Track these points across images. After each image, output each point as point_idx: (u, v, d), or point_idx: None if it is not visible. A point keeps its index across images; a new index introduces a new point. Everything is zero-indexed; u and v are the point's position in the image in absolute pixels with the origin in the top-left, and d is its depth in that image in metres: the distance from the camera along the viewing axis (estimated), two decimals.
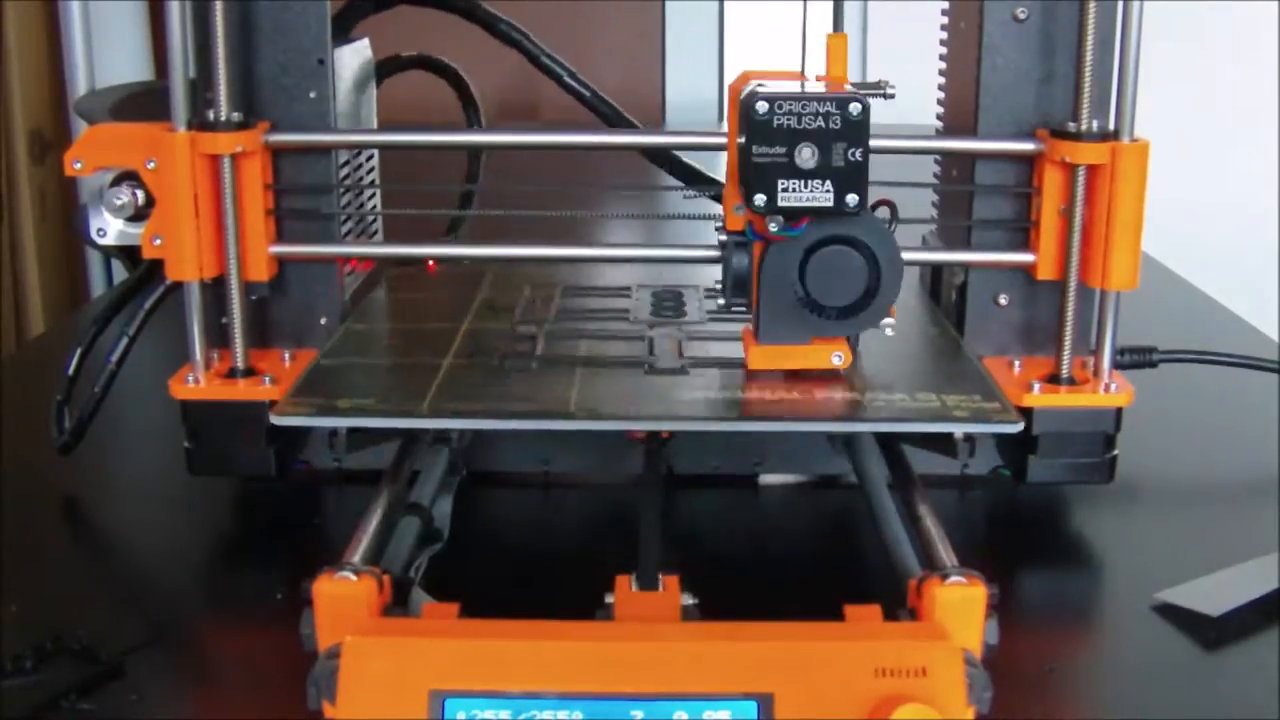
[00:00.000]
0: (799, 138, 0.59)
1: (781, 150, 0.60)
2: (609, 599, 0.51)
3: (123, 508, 0.72)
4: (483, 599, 0.50)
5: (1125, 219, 0.63)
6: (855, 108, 0.59)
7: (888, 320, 0.63)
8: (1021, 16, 0.67)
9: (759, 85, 0.61)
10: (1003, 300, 0.70)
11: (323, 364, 0.67)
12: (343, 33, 0.77)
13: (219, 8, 0.63)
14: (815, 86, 0.61)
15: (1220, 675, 0.56)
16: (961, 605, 0.48)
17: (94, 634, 0.55)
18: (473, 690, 0.44)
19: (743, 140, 0.60)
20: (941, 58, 0.75)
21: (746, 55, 1.88)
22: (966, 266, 0.70)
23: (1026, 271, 0.68)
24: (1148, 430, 0.69)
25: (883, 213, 0.63)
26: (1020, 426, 0.60)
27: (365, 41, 0.79)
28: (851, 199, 0.60)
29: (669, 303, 0.77)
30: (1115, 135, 0.63)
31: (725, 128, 0.64)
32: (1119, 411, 0.66)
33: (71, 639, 0.55)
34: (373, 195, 0.78)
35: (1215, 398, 0.83)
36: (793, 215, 0.61)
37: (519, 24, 0.79)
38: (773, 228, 0.61)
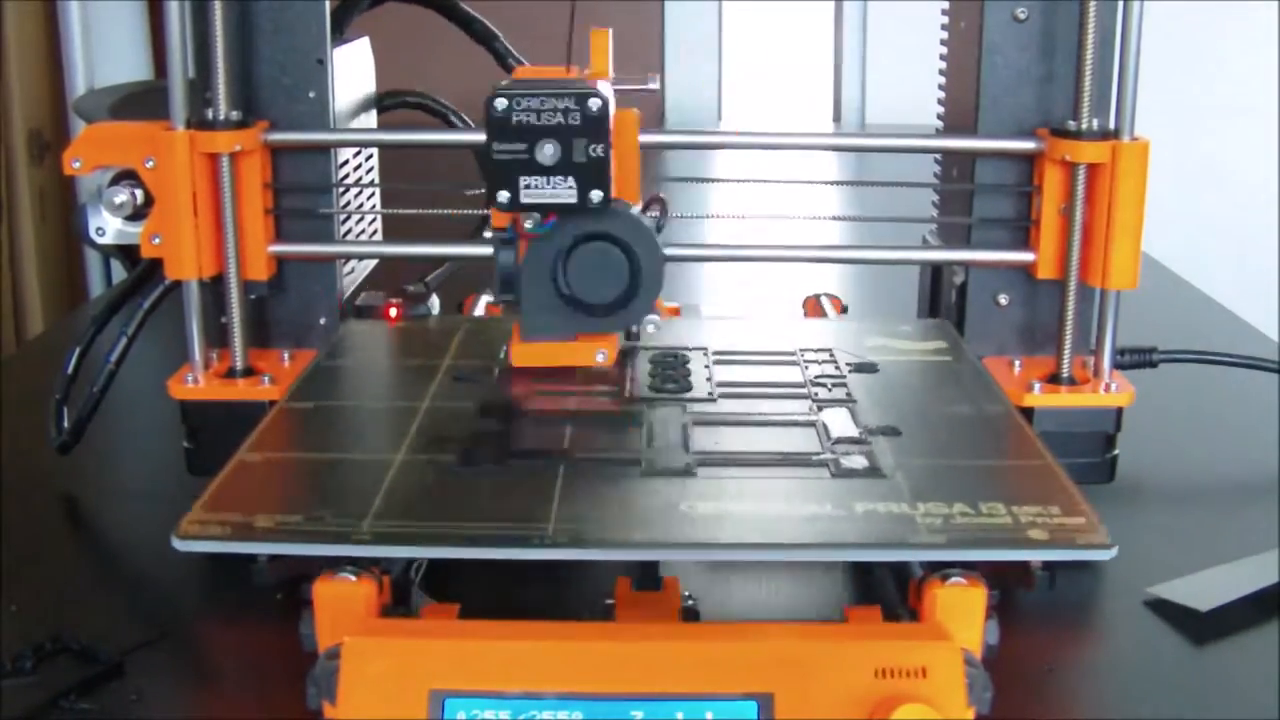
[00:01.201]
0: (539, 134, 0.59)
1: (522, 147, 0.59)
2: (609, 599, 0.51)
3: (122, 507, 0.72)
4: (483, 599, 0.50)
5: (1125, 218, 0.63)
6: (595, 103, 0.59)
7: (651, 317, 0.63)
8: (1021, 16, 0.67)
9: (504, 83, 0.60)
10: (1003, 300, 0.70)
11: (246, 460, 0.56)
12: (338, 31, 0.77)
13: (218, 7, 0.63)
14: (567, 82, 0.61)
15: (1209, 671, 0.55)
16: (961, 605, 0.48)
17: (94, 634, 0.55)
18: (473, 690, 0.44)
19: (484, 137, 0.60)
20: (942, 58, 0.75)
21: (746, 55, 1.88)
22: (967, 266, 0.70)
23: (1027, 271, 0.68)
24: (1148, 430, 0.69)
25: (655, 210, 0.64)
26: (1114, 553, 0.49)
27: (365, 41, 0.79)
28: (595, 195, 0.60)
29: (671, 371, 0.67)
30: (1115, 134, 0.63)
31: (724, 127, 0.64)
32: (1119, 411, 0.65)
33: (71, 639, 0.54)
34: (372, 195, 0.78)
35: (1215, 398, 0.83)
36: (539, 212, 0.61)
37: (494, 26, 0.80)
38: (528, 225, 0.61)
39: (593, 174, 0.60)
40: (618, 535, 0.50)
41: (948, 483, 0.54)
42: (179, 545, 0.50)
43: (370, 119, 0.80)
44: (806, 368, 0.67)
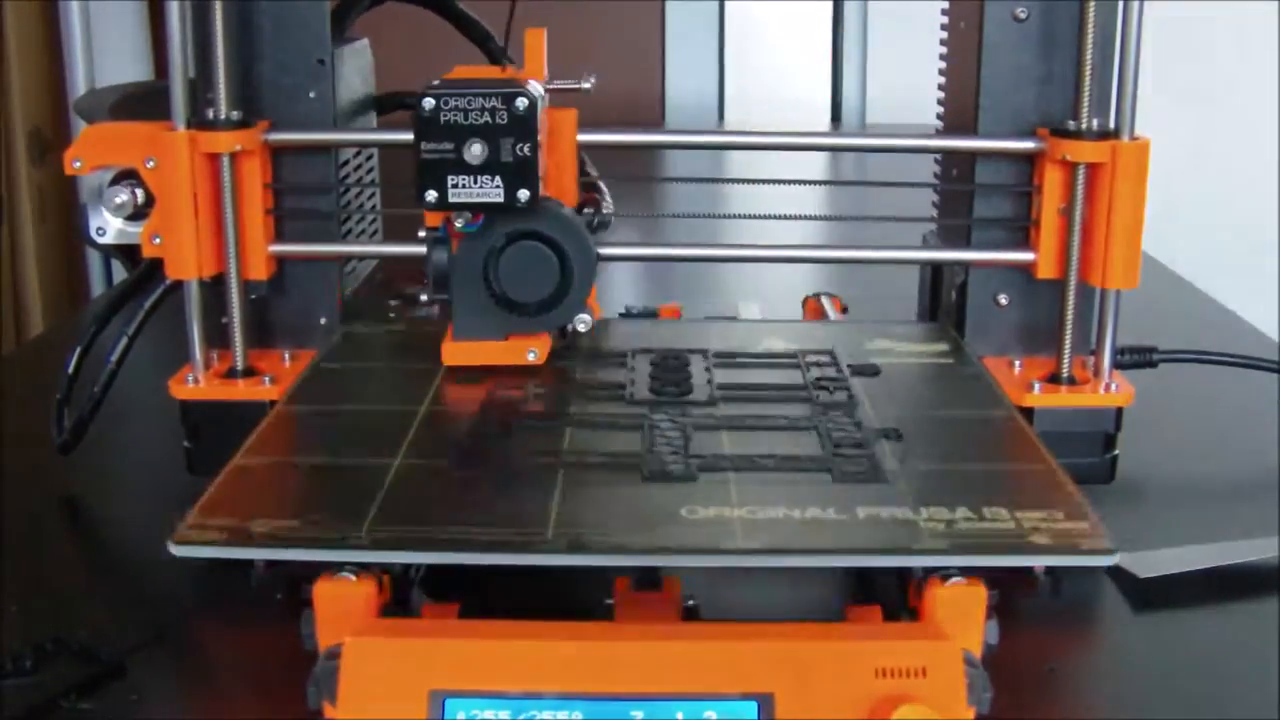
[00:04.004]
0: (467, 133, 0.59)
1: (449, 146, 0.60)
2: (609, 599, 0.51)
3: (122, 507, 0.72)
4: (483, 599, 0.50)
5: (1125, 218, 0.63)
6: (521, 102, 0.60)
7: (582, 316, 0.64)
8: (1021, 16, 0.67)
9: (434, 82, 0.61)
10: (1003, 300, 0.70)
11: (242, 465, 0.56)
12: (339, 31, 0.77)
13: (219, 8, 0.63)
14: (495, 81, 0.61)
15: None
16: (962, 605, 0.48)
17: (94, 634, 0.55)
18: (473, 690, 0.44)
19: (412, 136, 0.60)
20: (942, 58, 0.75)
21: (746, 55, 1.88)
22: (967, 266, 0.70)
23: (1027, 271, 0.68)
24: (1148, 430, 0.69)
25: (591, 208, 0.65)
26: (1115, 559, 0.49)
27: (365, 42, 0.79)
28: (523, 194, 0.60)
29: (671, 374, 0.66)
30: (1115, 134, 0.63)
31: (725, 127, 0.64)
32: (1119, 411, 0.66)
33: (71, 639, 0.54)
34: (372, 195, 0.78)
35: (1215, 398, 0.83)
36: (470, 211, 0.61)
37: (489, 27, 0.80)
38: (459, 224, 0.62)
39: (520, 173, 0.60)
40: (617, 541, 0.50)
41: (950, 487, 0.53)
42: (176, 551, 0.49)
43: (370, 119, 0.80)
44: (808, 370, 0.67)
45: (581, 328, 0.64)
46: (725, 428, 0.60)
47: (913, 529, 0.50)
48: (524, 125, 0.60)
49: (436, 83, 0.61)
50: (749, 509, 0.51)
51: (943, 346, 0.70)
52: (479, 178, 0.60)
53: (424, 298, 0.64)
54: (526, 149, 0.60)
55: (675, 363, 0.67)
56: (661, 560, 0.52)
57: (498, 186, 0.60)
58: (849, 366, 0.67)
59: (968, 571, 0.49)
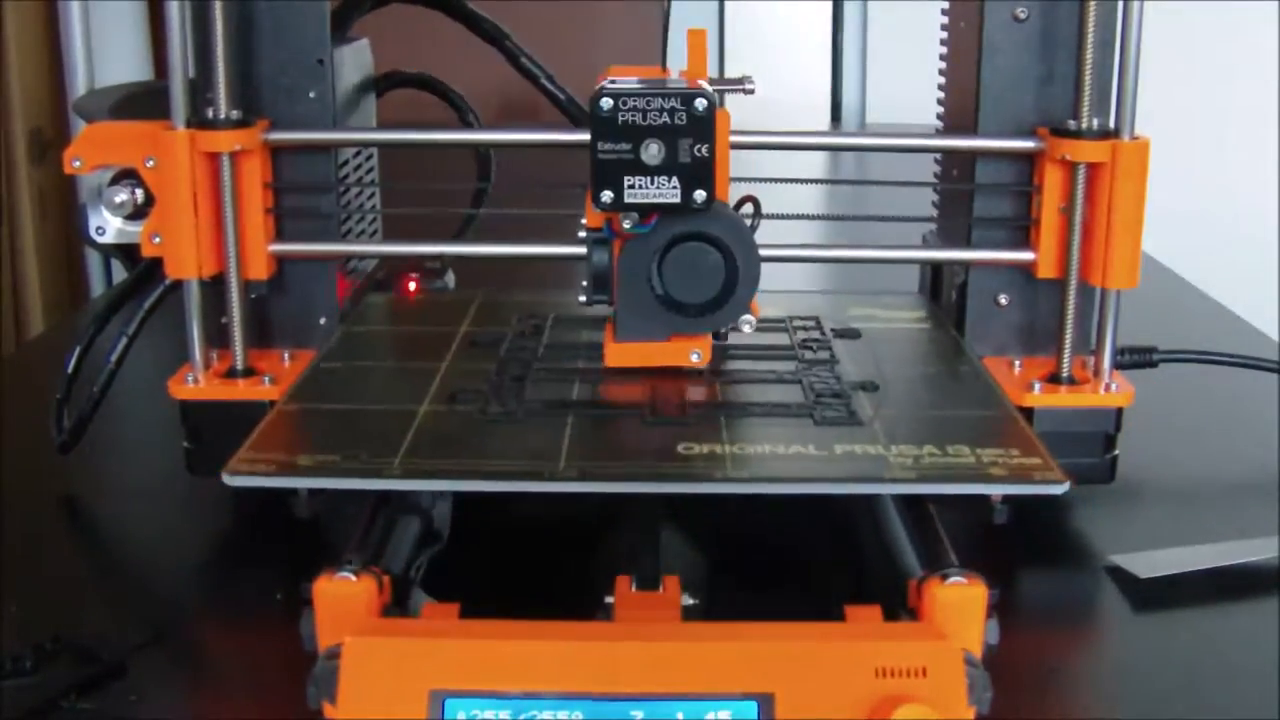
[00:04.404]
0: (645, 134, 0.59)
1: (627, 146, 0.59)
2: (609, 599, 0.51)
3: (122, 507, 0.72)
4: (483, 599, 0.50)
5: (1126, 217, 0.63)
6: (701, 103, 0.59)
7: (746, 318, 0.63)
8: (1021, 16, 0.67)
9: (608, 82, 0.60)
10: (1003, 300, 0.70)
11: (285, 410, 0.61)
12: (340, 32, 0.77)
13: (218, 7, 0.63)
14: (670, 82, 0.61)
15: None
16: (962, 605, 0.48)
17: (94, 634, 0.55)
18: (473, 690, 0.44)
19: (589, 137, 0.60)
20: (942, 58, 0.75)
21: (746, 55, 1.88)
22: (967, 265, 0.70)
23: (1027, 271, 0.68)
24: (1148, 430, 0.69)
25: (747, 209, 0.63)
26: (1067, 487, 0.54)
27: (365, 42, 0.79)
28: (699, 195, 0.60)
29: None
30: (1115, 133, 0.63)
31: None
32: (1119, 411, 0.65)
33: (71, 639, 0.55)
34: (372, 195, 0.78)
35: (1215, 398, 0.83)
36: (640, 212, 0.60)
37: (503, 25, 0.80)
38: (627, 225, 0.61)
39: (697, 174, 0.59)
40: (621, 470, 0.55)
41: (919, 429, 0.59)
42: (229, 481, 0.54)
43: (371, 119, 0.80)
44: (794, 333, 0.72)
45: (746, 329, 0.64)
46: (718, 380, 0.65)
47: (883, 462, 0.55)
48: (703, 126, 0.59)
49: (609, 83, 0.60)
50: (738, 446, 0.57)
51: (920, 313, 0.76)
52: (656, 178, 0.59)
53: (583, 299, 0.63)
54: (705, 150, 0.59)
55: None
56: (660, 487, 0.55)
57: (674, 187, 0.59)
58: (832, 330, 0.73)
59: (966, 568, 0.49)
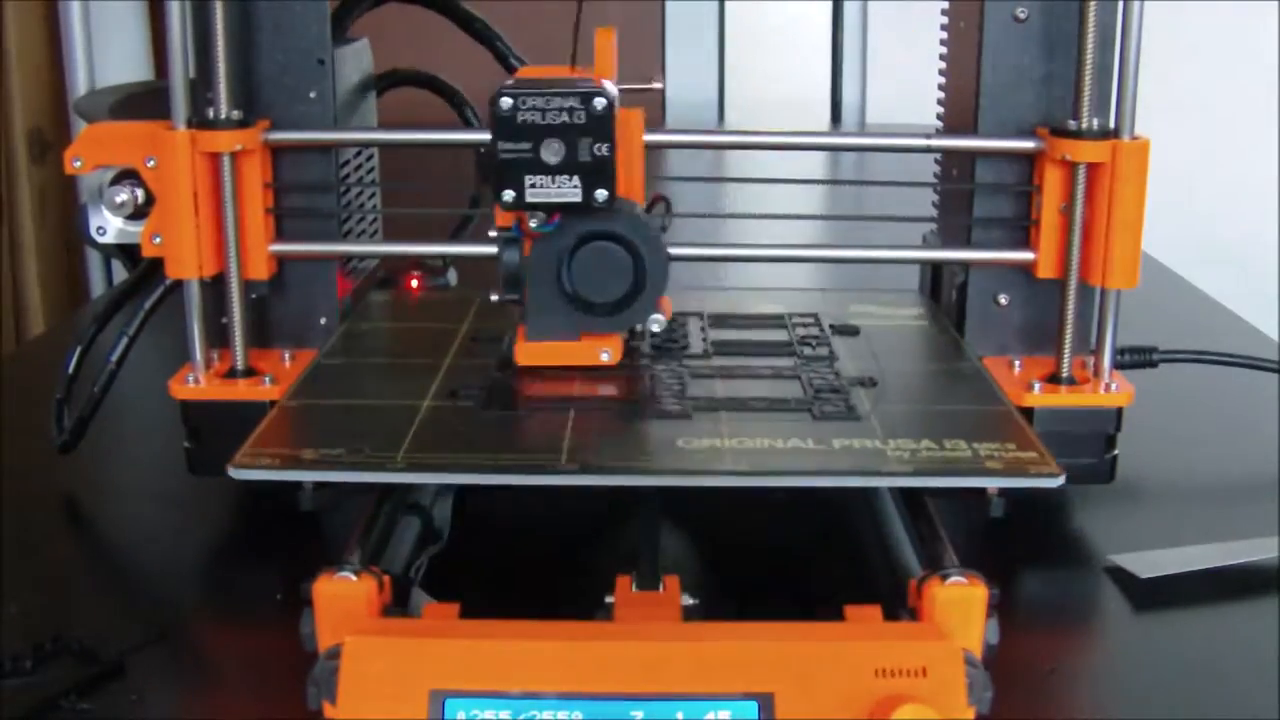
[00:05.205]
0: (544, 133, 0.59)
1: (527, 146, 0.59)
2: (609, 599, 0.51)
3: (122, 507, 0.72)
4: (483, 599, 0.50)
5: (1126, 217, 0.63)
6: (600, 102, 0.59)
7: (655, 316, 0.63)
8: (1021, 16, 0.67)
9: (509, 82, 0.60)
10: (1003, 300, 0.70)
11: (288, 406, 0.62)
12: (339, 32, 0.77)
13: (219, 7, 0.63)
14: (570, 81, 0.61)
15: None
16: (961, 605, 0.48)
17: (94, 634, 0.55)
18: (473, 690, 0.44)
19: (489, 136, 0.60)
20: (942, 58, 0.75)
21: (746, 55, 1.88)
22: (967, 265, 0.70)
23: (1027, 271, 0.68)
24: (1148, 430, 0.69)
25: (660, 208, 0.64)
26: (1061, 480, 0.55)
27: (365, 42, 0.79)
28: (600, 194, 0.60)
29: (669, 334, 0.71)
30: (1115, 133, 0.63)
31: (725, 127, 0.64)
32: (1119, 411, 0.65)
33: (71, 639, 0.55)
34: (373, 195, 0.78)
35: (1215, 398, 0.83)
36: (544, 210, 0.61)
37: (494, 26, 0.80)
38: (533, 224, 0.61)
39: (598, 173, 0.60)
40: (622, 464, 0.56)
41: (916, 424, 0.59)
42: (235, 474, 0.55)
43: (371, 118, 0.80)
44: (794, 329, 0.73)
45: (655, 328, 0.64)
46: (718, 376, 0.65)
47: (881, 456, 0.56)
48: (602, 125, 0.59)
49: (511, 82, 0.60)
50: (738, 440, 0.57)
51: (918, 311, 0.76)
52: (556, 177, 0.60)
53: (494, 298, 0.64)
54: (604, 149, 0.59)
55: (673, 322, 0.72)
56: (660, 480, 0.56)
57: (575, 186, 0.60)
58: (831, 326, 0.73)
59: (966, 568, 0.49)
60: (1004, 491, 0.59)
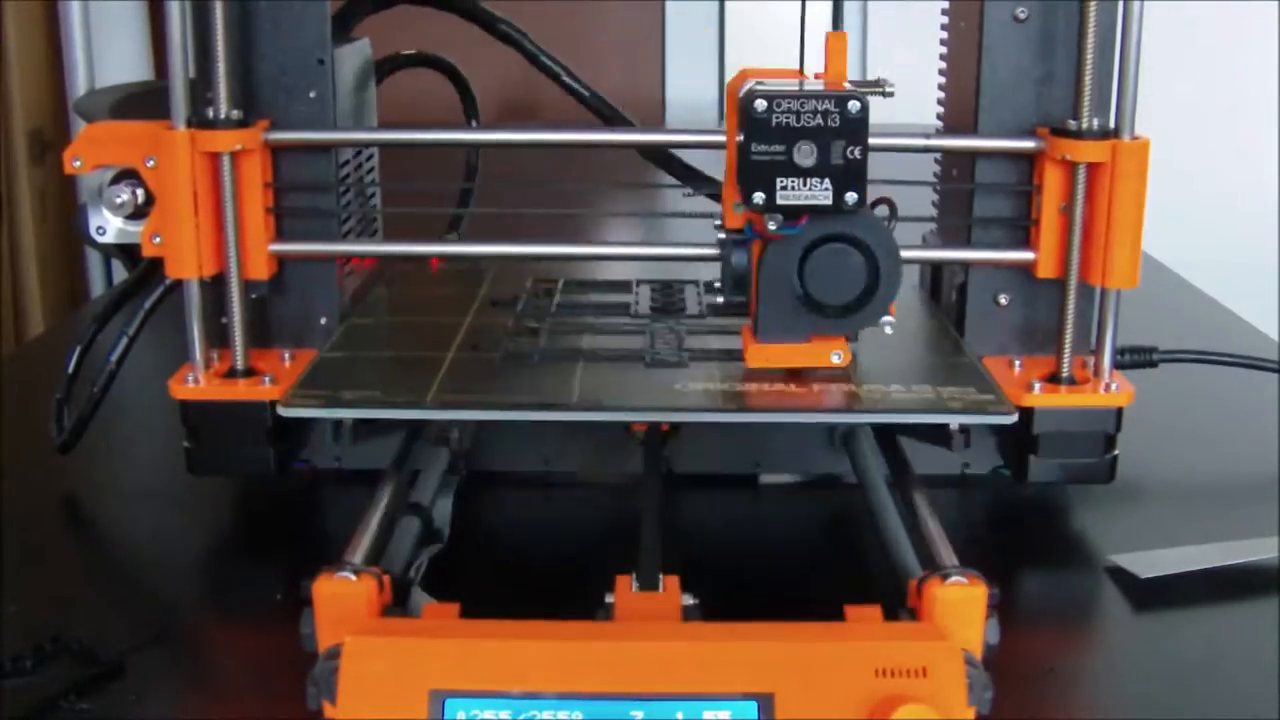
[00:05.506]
0: (797, 135, 0.59)
1: (780, 148, 0.59)
2: (609, 599, 0.51)
3: (122, 507, 0.72)
4: (483, 599, 0.50)
5: (1126, 217, 0.63)
6: (854, 105, 0.59)
7: (887, 318, 0.63)
8: (1021, 16, 0.67)
9: (757, 84, 0.60)
10: (1003, 300, 0.70)
11: (327, 357, 0.67)
12: (343, 32, 0.77)
13: (219, 7, 0.63)
14: (813, 84, 0.61)
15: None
16: (961, 605, 0.48)
17: (94, 634, 0.55)
18: (473, 690, 0.44)
19: (741, 138, 0.60)
20: (942, 58, 0.75)
21: (746, 55, 1.88)
22: (967, 265, 0.70)
23: (1027, 271, 0.68)
24: (1148, 430, 0.69)
25: (882, 210, 0.63)
26: (1015, 418, 0.61)
27: (365, 41, 0.79)
28: (850, 197, 0.60)
29: (669, 298, 0.78)
30: (1115, 133, 0.63)
31: (724, 127, 0.64)
32: (1119, 411, 0.65)
33: (71, 639, 0.55)
34: (373, 194, 0.78)
35: (1215, 398, 0.83)
36: (791, 213, 0.60)
37: (517, 24, 0.80)
38: (771, 226, 0.61)
39: (849, 176, 0.60)
40: (626, 402, 0.62)
41: (889, 372, 0.65)
42: (283, 412, 0.61)
43: (371, 118, 0.80)
44: None
45: (889, 330, 0.64)
46: (712, 332, 0.71)
47: (856, 397, 0.63)
48: (856, 128, 0.59)
49: (758, 85, 0.60)
50: (729, 384, 0.64)
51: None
52: (808, 180, 0.60)
53: (721, 300, 0.64)
54: (857, 152, 0.59)
55: (671, 288, 0.80)
56: (660, 416, 0.65)
57: (826, 189, 0.60)
58: None
59: (965, 567, 0.49)
60: (965, 430, 0.64)
